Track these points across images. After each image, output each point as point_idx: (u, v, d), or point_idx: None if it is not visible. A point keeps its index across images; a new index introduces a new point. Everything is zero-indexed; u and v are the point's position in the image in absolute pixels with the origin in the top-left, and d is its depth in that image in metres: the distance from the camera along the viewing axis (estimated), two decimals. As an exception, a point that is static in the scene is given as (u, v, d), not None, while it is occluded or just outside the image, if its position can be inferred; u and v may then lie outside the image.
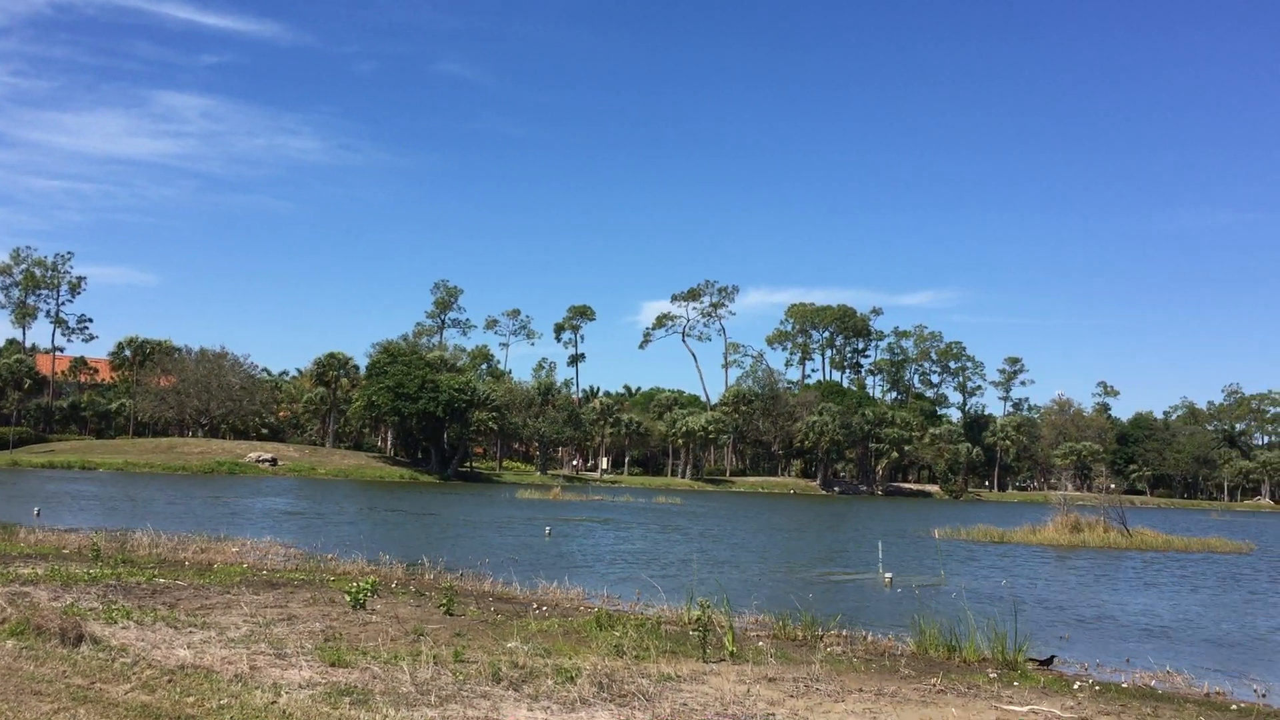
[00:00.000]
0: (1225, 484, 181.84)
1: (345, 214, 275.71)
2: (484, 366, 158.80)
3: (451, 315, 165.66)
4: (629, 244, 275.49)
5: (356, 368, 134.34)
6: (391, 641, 14.17)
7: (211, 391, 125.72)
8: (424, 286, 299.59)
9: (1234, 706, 13.64)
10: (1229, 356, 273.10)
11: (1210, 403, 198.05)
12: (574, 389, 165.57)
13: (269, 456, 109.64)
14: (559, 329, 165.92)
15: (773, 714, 10.93)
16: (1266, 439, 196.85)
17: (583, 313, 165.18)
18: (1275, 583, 36.51)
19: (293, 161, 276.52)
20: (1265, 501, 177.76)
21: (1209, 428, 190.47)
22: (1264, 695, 15.10)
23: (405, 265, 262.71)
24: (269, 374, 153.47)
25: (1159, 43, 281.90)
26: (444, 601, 17.86)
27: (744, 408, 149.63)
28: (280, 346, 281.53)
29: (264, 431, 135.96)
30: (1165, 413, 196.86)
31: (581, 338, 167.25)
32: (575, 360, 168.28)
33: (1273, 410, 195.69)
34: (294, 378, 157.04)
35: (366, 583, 17.81)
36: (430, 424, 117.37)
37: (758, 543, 45.67)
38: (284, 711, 9.83)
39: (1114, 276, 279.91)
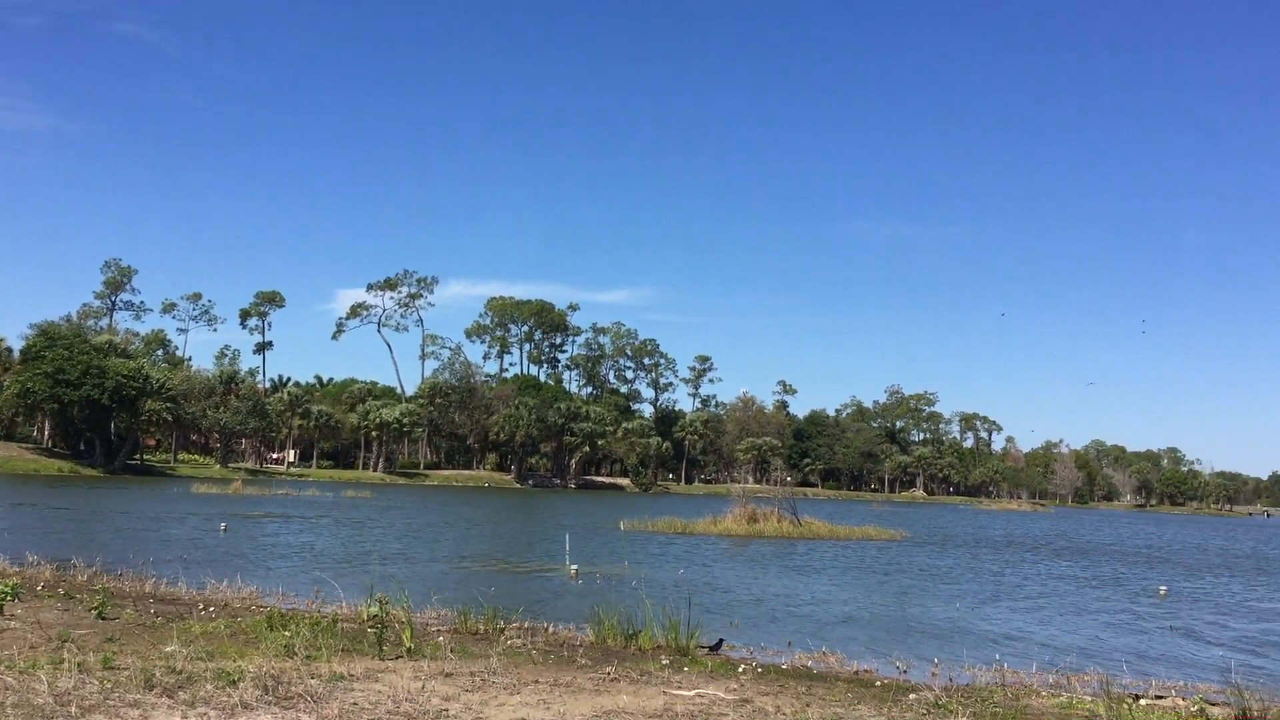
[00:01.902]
0: (886, 477, 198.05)
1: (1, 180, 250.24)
2: (159, 353, 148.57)
3: (124, 297, 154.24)
4: (324, 229, 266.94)
5: (10, 350, 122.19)
6: (31, 649, 12.89)
7: None
8: (93, 265, 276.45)
9: (878, 683, 14.75)
10: (892, 358, 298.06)
11: (875, 401, 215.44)
12: (260, 378, 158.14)
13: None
14: (245, 315, 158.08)
15: (446, 709, 10.77)
16: (922, 435, 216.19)
17: (271, 299, 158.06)
18: (920, 568, 40.03)
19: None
20: (919, 493, 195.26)
21: (874, 425, 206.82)
22: (905, 671, 16.50)
23: (71, 242, 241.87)
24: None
25: (848, 64, 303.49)
26: (97, 604, 16.48)
27: (440, 400, 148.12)
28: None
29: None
30: (837, 410, 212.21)
31: (269, 325, 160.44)
32: (262, 348, 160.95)
33: (927, 409, 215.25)
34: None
35: (6, 585, 16.13)
36: (95, 413, 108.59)
37: (447, 536, 45.27)
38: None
39: (796, 281, 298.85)
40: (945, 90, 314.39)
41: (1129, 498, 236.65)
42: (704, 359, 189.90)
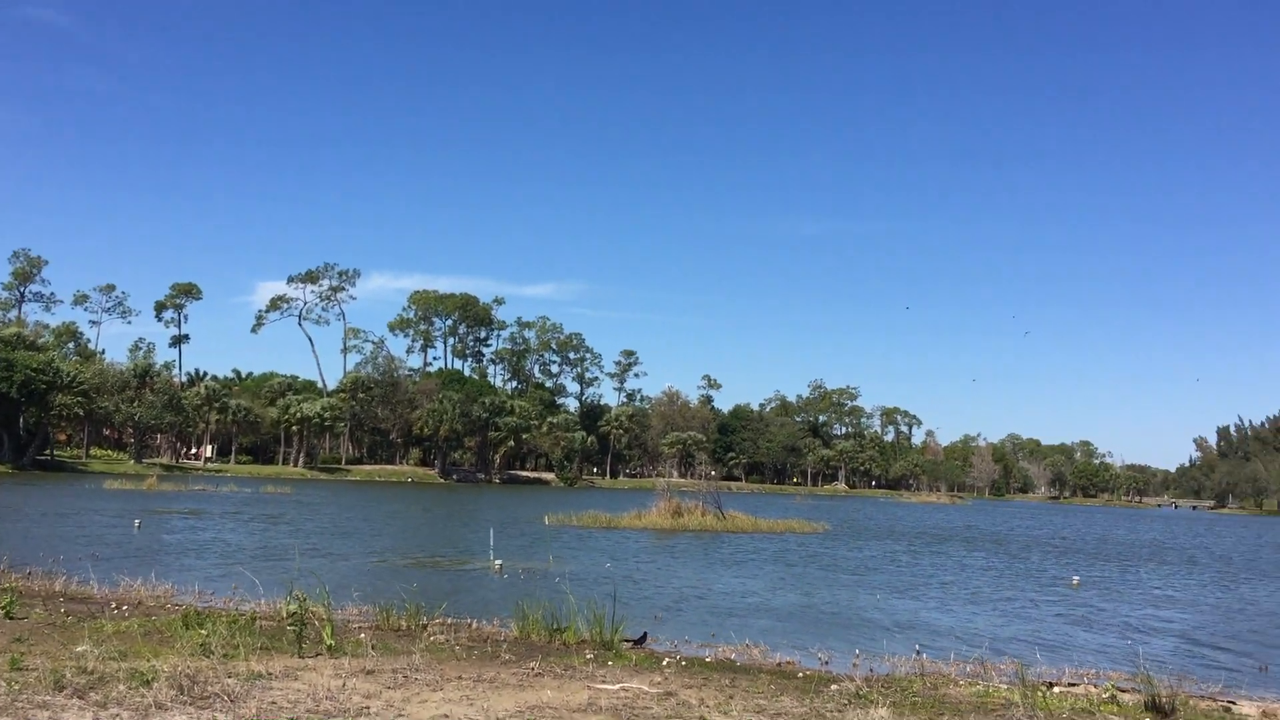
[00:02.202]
0: (809, 470, 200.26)
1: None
2: (71, 346, 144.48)
3: (34, 289, 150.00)
4: (243, 221, 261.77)
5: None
6: (-68, 653, 12.45)
7: None
8: None
9: (801, 674, 14.92)
10: (816, 353, 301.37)
11: (799, 396, 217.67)
12: (176, 372, 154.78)
13: None
14: (160, 307, 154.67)
15: (367, 706, 10.64)
16: (844, 429, 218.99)
17: (188, 291, 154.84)
18: (842, 561, 40.55)
19: None
20: (841, 486, 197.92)
21: (797, 419, 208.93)
22: (827, 663, 16.71)
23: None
24: None
25: (769, 61, 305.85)
26: (4, 604, 15.98)
27: (362, 394, 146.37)
28: None
29: None
30: (761, 405, 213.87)
31: (186, 318, 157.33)
32: (178, 341, 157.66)
33: (849, 404, 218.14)
34: None
35: (-94, 587, 15.58)
36: (3, 407, 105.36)
37: (369, 532, 44.76)
38: None
39: (721, 276, 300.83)
40: (861, 86, 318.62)
41: (1043, 490, 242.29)
42: (629, 353, 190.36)
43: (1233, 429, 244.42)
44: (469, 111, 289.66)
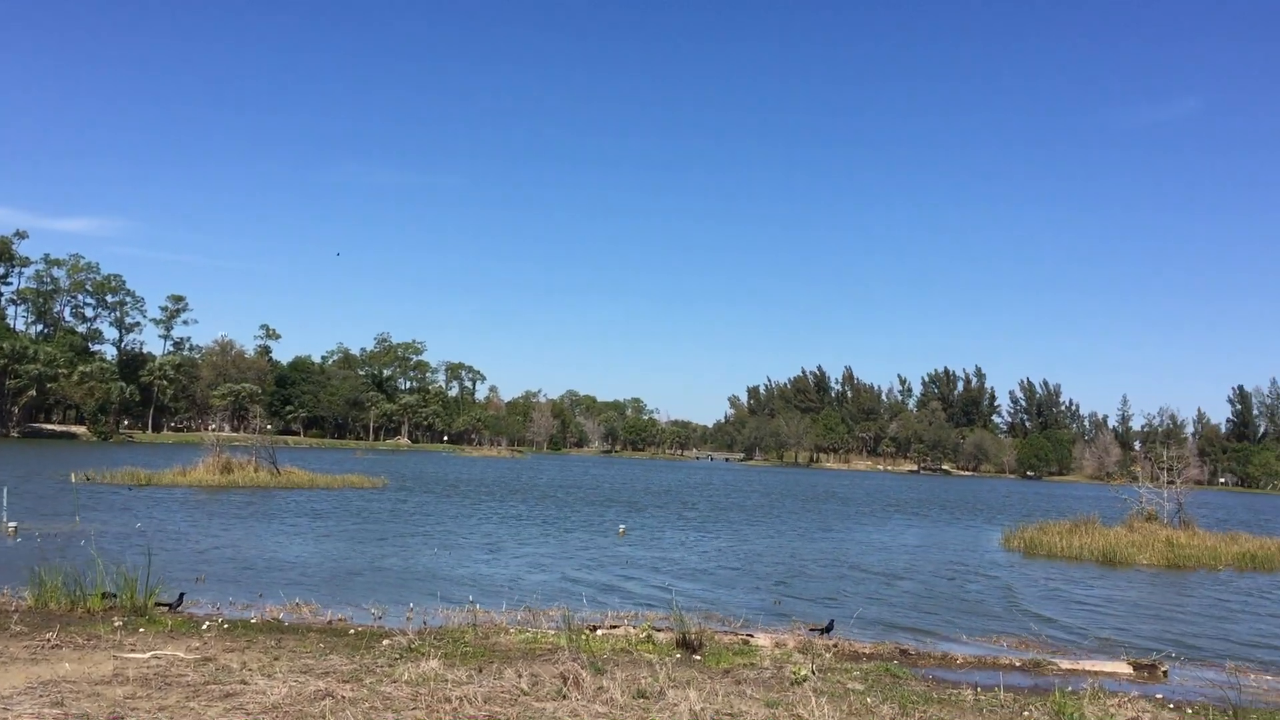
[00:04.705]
0: (371, 425, 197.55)
1: None
2: None
3: None
4: None
5: None
6: None
7: None
8: None
9: (353, 631, 14.61)
10: (383, 306, 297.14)
11: (363, 349, 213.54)
12: None
13: None
14: None
15: None
16: (409, 384, 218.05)
17: None
18: (401, 515, 40.41)
19: None
20: (404, 440, 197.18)
21: (360, 372, 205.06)
22: (380, 618, 16.50)
23: None
24: None
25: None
26: None
27: None
28: None
29: None
30: (324, 357, 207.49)
31: None
32: None
33: (415, 358, 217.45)
34: None
35: None
36: None
37: None
38: None
39: (280, 223, 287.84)
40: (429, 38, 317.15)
41: (597, 444, 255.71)
42: (178, 299, 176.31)
43: (761, 389, 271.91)
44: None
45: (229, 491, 46.51)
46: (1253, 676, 15.32)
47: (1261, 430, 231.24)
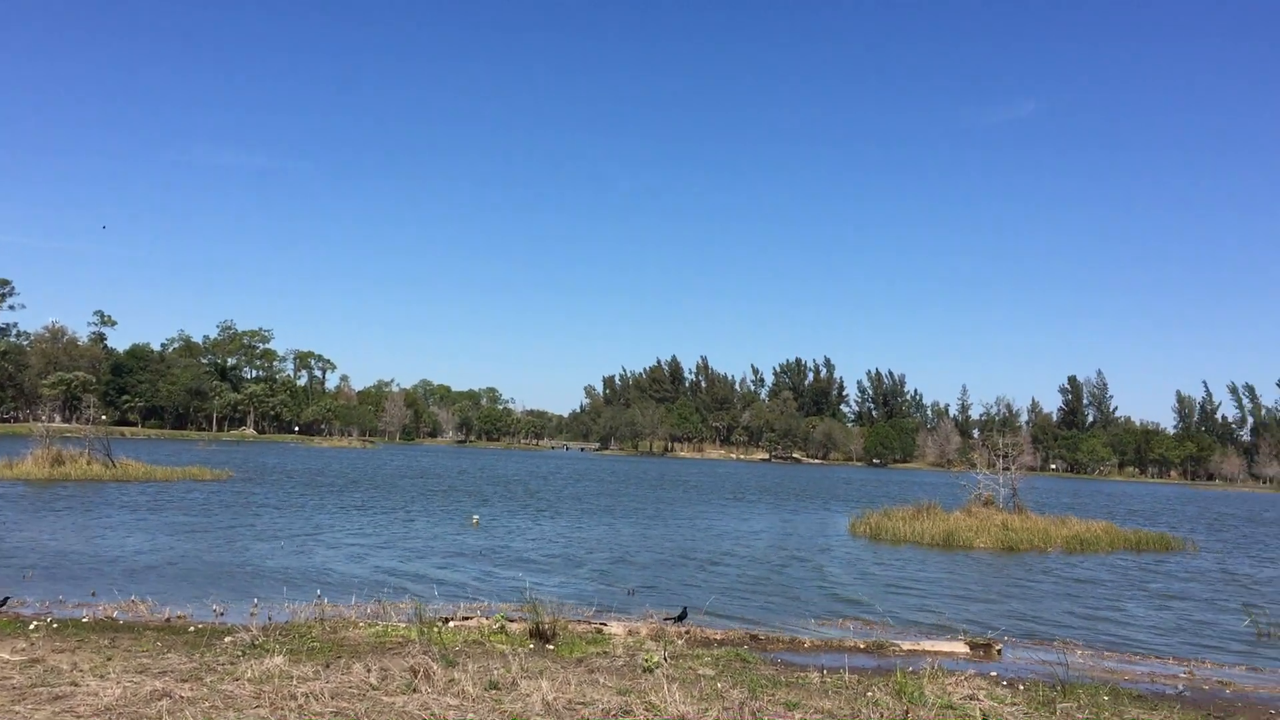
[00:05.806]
0: (215, 415, 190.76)
1: None
2: None
3: None
4: None
5: None
6: None
7: None
8: None
9: (192, 628, 14.10)
10: (228, 291, 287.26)
11: (206, 337, 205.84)
12: None
13: None
14: None
15: None
16: (255, 373, 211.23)
17: None
18: (245, 508, 39.17)
19: None
20: (250, 431, 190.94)
21: (203, 361, 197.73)
22: (222, 614, 15.94)
23: None
24: None
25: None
26: None
27: None
28: None
29: None
30: (163, 345, 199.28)
31: None
32: None
33: (262, 346, 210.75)
34: None
35: None
36: None
37: None
38: None
39: (126, 206, 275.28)
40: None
41: (451, 434, 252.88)
42: (4, 282, 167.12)
43: (617, 379, 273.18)
44: None
45: (60, 485, 44.31)
46: (1080, 653, 16.16)
47: (1090, 419, 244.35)
